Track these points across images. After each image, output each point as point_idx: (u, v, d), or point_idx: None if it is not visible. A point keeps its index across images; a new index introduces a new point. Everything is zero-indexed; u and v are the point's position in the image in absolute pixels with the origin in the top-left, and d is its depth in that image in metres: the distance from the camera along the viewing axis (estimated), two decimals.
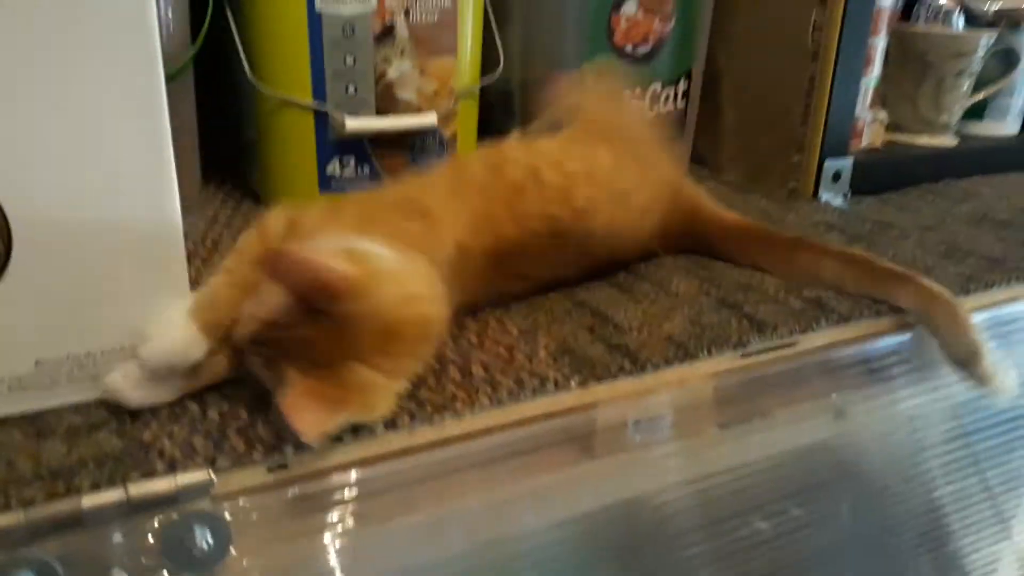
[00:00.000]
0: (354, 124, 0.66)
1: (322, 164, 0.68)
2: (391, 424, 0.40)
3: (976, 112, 0.90)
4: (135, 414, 0.40)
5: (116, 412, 0.40)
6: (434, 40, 0.68)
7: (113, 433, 0.39)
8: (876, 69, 0.80)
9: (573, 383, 0.44)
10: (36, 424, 0.39)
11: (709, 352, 0.49)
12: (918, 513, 0.65)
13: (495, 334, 0.49)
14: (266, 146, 0.68)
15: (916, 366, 0.57)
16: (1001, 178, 0.88)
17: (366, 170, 0.70)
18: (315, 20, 0.63)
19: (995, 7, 0.81)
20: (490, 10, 0.73)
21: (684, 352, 0.48)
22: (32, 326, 0.39)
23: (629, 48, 0.76)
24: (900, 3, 0.80)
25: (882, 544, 0.62)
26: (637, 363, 0.47)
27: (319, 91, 0.65)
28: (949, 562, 0.67)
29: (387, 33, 0.66)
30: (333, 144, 0.67)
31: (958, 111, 0.86)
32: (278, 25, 0.63)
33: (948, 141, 0.87)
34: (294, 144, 0.67)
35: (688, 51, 0.80)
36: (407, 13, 0.66)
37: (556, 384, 0.44)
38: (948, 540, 0.67)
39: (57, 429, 0.39)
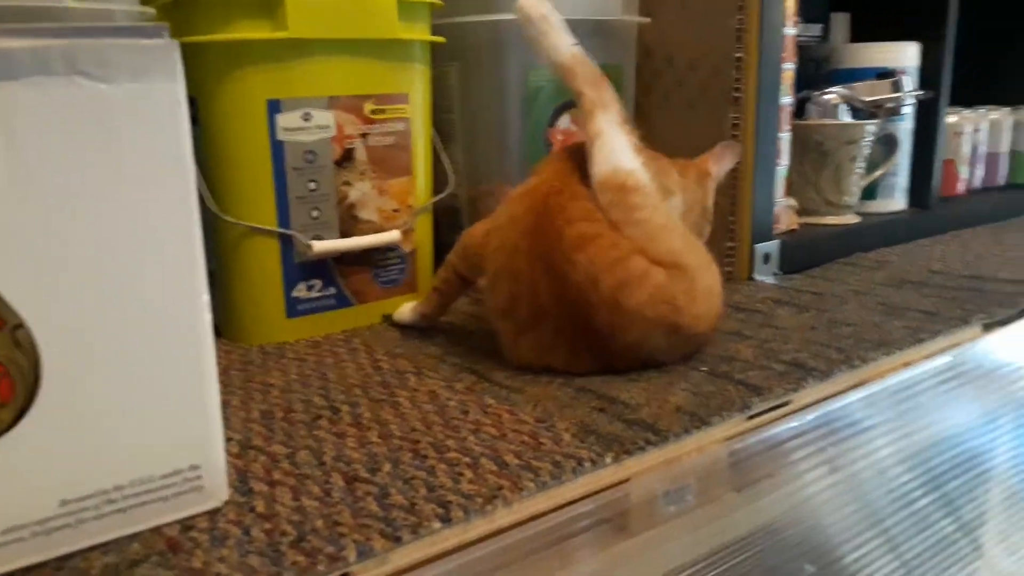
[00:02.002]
0: (321, 247, 0.67)
1: (288, 288, 0.68)
2: (446, 519, 0.39)
3: (869, 193, 1.00)
4: (175, 545, 0.38)
5: (152, 545, 0.38)
6: (391, 162, 0.71)
7: (158, 565, 0.36)
8: (785, 160, 0.88)
9: (608, 459, 0.45)
10: (65, 570, 0.36)
11: (720, 417, 0.51)
12: (905, 549, 0.67)
13: (512, 424, 0.50)
14: (229, 276, 0.67)
15: (893, 415, 0.61)
16: (901, 247, 0.97)
17: (332, 290, 0.70)
18: (278, 149, 0.65)
19: (869, 99, 0.92)
20: (435, 132, 0.76)
21: (698, 420, 0.50)
22: (58, 464, 0.37)
23: None
24: (794, 102, 0.89)
25: None
26: (659, 434, 0.48)
27: (283, 217, 0.66)
28: None
29: (347, 157, 0.68)
30: (298, 268, 0.68)
31: (856, 192, 0.95)
32: (240, 156, 0.64)
33: (852, 219, 0.96)
34: (259, 271, 0.67)
35: None
36: (364, 137, 0.68)
37: (592, 462, 0.45)
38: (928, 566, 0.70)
39: (91, 571, 0.36)
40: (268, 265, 0.67)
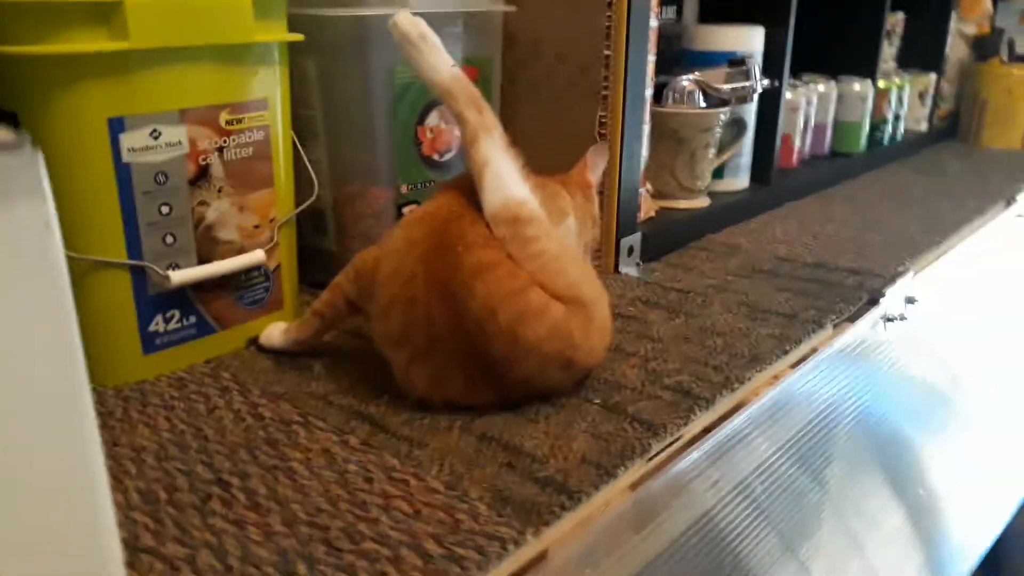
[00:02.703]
0: (180, 276, 0.61)
1: (144, 324, 0.61)
2: None
3: (716, 173, 1.03)
4: None
5: None
6: (251, 174, 0.64)
7: None
8: (646, 150, 0.89)
9: (528, 535, 0.45)
10: None
11: (624, 466, 0.51)
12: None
13: (422, 494, 0.48)
14: (77, 314, 0.59)
15: (767, 423, 0.65)
16: (747, 226, 1.03)
17: (192, 319, 0.64)
18: (123, 172, 0.57)
19: (724, 87, 0.94)
20: (294, 133, 0.70)
21: (605, 472, 0.50)
22: None
23: (436, 156, 0.78)
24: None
25: None
26: (572, 496, 0.48)
27: (133, 246, 0.59)
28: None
29: (202, 175, 0.61)
30: (153, 301, 0.61)
31: (708, 176, 0.99)
32: (79, 182, 0.56)
33: (703, 202, 0.99)
34: (110, 308, 0.59)
35: None
36: (221, 151, 0.62)
37: (515, 542, 0.44)
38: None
39: None
40: (119, 300, 0.60)
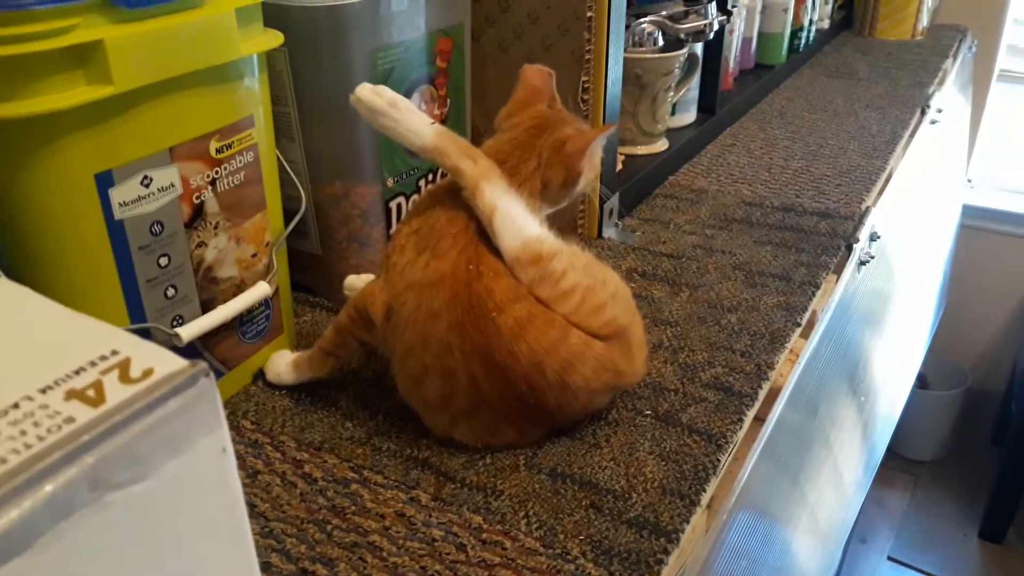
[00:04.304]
0: (190, 331, 0.55)
1: None
2: None
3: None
4: None
5: None
6: (244, 201, 0.58)
7: None
8: None
9: None
10: None
11: (704, 489, 0.52)
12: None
13: (523, 558, 0.47)
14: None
15: (787, 405, 0.67)
16: (700, 163, 1.02)
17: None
18: (117, 230, 0.49)
19: (684, 27, 0.91)
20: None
21: (688, 500, 0.51)
22: None
23: None
24: None
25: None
26: (670, 538, 0.48)
27: (135, 308, 0.52)
28: None
29: (197, 214, 0.54)
30: None
31: (667, 118, 0.97)
32: (73, 250, 0.48)
33: (662, 145, 0.98)
34: None
35: (460, 126, 0.78)
36: (213, 184, 0.55)
37: None
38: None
39: None
40: None
